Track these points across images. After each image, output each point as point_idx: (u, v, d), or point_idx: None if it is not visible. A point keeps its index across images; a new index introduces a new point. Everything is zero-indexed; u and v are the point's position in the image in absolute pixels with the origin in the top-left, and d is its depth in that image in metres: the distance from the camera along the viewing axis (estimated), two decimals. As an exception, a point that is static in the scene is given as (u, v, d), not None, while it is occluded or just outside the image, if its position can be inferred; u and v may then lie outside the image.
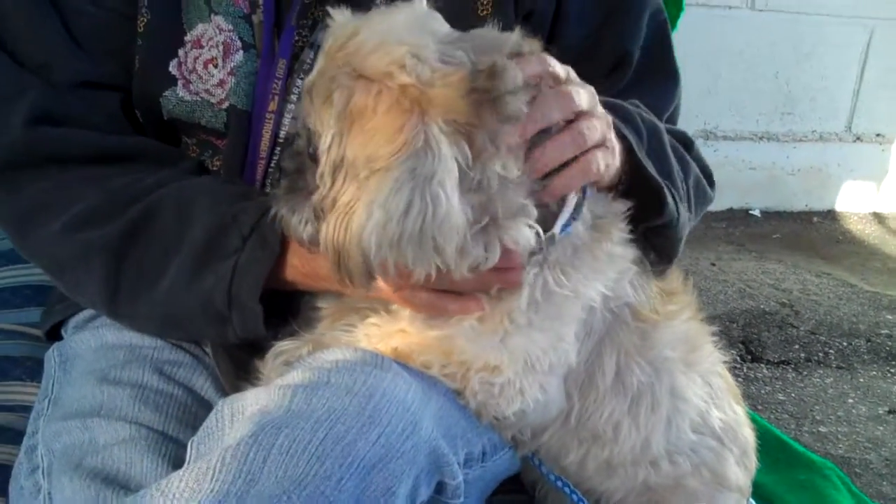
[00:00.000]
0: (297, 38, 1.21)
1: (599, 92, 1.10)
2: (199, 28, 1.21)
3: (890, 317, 3.59)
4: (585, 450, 1.18)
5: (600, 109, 1.06)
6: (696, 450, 1.21)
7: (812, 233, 4.58)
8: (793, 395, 2.98)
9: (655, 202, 1.15)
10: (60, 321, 1.39)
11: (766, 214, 4.64)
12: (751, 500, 1.34)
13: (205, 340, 1.25)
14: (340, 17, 1.00)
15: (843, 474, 2.47)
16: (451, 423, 1.05)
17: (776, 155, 4.62)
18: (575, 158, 1.01)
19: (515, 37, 1.00)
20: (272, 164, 1.24)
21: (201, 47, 1.21)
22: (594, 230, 1.08)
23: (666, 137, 1.24)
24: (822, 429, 2.81)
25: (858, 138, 4.70)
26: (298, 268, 1.11)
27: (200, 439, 0.95)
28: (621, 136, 1.11)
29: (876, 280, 3.98)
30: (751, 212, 4.70)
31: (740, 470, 1.26)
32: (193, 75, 1.22)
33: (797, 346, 3.31)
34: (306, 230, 1.00)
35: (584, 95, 1.03)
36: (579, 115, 1.02)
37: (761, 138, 4.57)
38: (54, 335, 1.40)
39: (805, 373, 3.14)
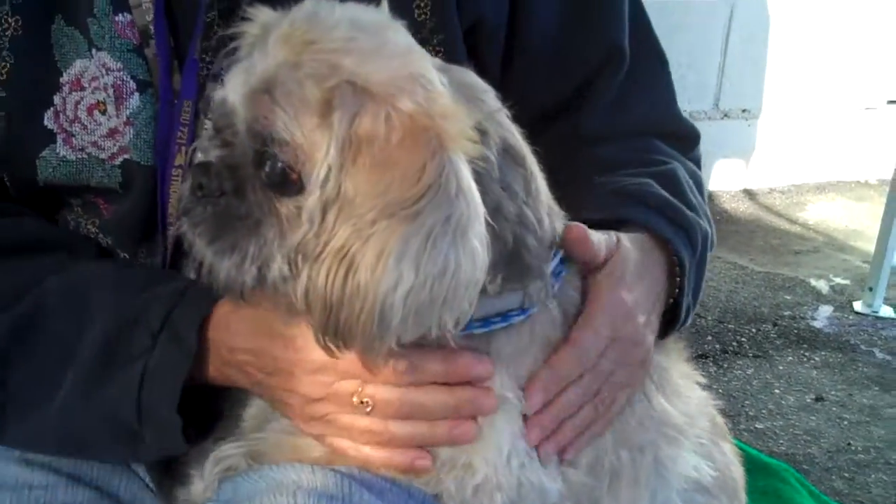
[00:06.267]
0: (201, 70, 1.04)
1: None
2: (78, 65, 1.06)
3: (788, 297, 3.56)
4: None
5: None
6: None
7: (692, 214, 4.53)
8: (720, 390, 2.88)
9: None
10: None
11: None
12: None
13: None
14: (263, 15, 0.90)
15: (798, 474, 2.36)
16: None
17: (650, 136, 4.51)
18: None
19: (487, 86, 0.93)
20: None
21: (82, 89, 1.06)
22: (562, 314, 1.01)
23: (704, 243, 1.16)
24: (759, 425, 2.73)
25: (726, 115, 4.69)
26: (227, 359, 0.97)
27: None
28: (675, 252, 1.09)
29: (763, 259, 3.97)
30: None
31: None
32: (76, 126, 1.06)
33: (710, 338, 3.21)
34: (249, 273, 0.85)
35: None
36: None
37: (634, 120, 4.44)
38: None
39: (725, 365, 3.04)
